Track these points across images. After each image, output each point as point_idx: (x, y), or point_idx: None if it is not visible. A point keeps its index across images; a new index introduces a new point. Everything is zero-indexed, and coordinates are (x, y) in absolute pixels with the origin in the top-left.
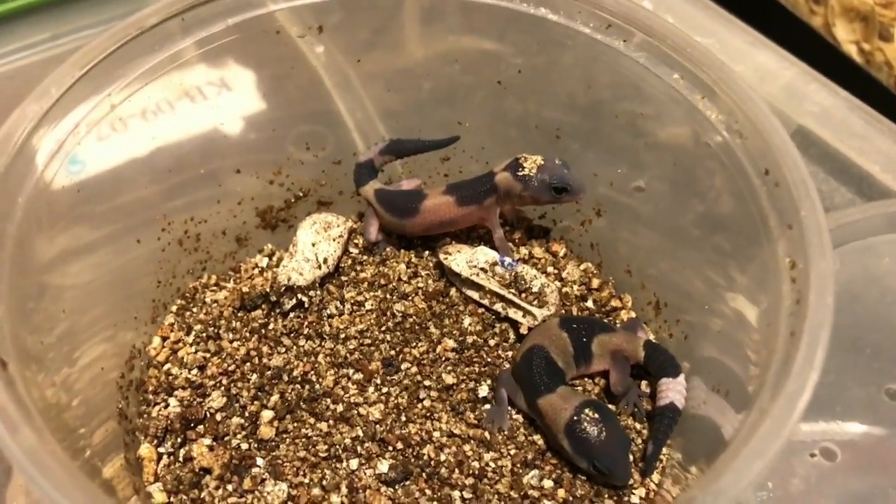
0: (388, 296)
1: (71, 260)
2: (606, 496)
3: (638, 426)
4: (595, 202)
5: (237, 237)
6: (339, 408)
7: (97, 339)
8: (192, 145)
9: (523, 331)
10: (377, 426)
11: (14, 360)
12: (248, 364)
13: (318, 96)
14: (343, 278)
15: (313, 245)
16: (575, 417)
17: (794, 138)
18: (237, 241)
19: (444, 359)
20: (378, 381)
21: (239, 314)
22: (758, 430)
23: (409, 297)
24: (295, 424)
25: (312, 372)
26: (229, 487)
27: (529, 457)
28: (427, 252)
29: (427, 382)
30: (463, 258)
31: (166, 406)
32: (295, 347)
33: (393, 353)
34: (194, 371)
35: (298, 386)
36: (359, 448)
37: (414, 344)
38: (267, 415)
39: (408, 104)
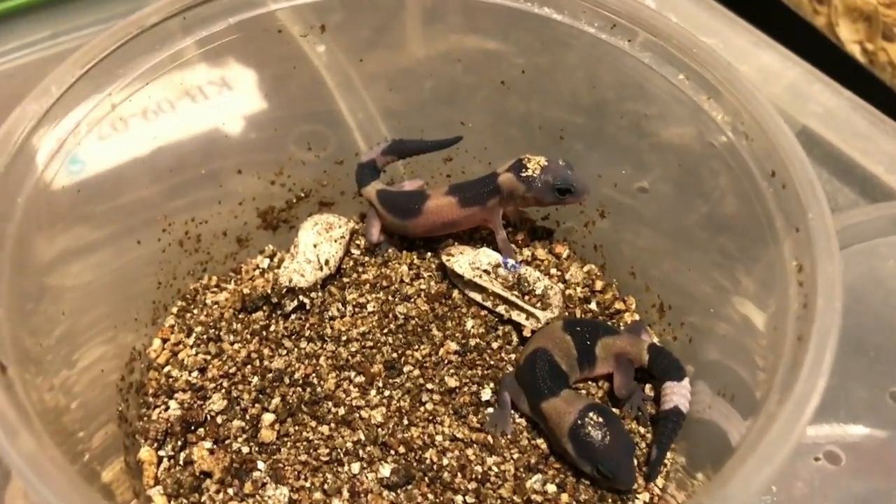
0: (390, 298)
1: (71, 260)
2: (610, 500)
3: (642, 430)
4: (599, 203)
5: (238, 238)
6: (341, 411)
7: (97, 340)
8: (193, 145)
9: (526, 333)
10: (379, 430)
11: (13, 363)
12: (248, 366)
13: (320, 96)
14: (345, 280)
15: (315, 246)
16: (579, 421)
17: (798, 139)
18: (238, 242)
19: (446, 362)
20: (380, 384)
21: (240, 316)
22: (765, 436)
23: (412, 299)
24: (296, 428)
25: (314, 374)
26: (230, 491)
27: (533, 461)
28: (429, 253)
29: (429, 385)
30: (466, 260)
31: (166, 409)
32: (296, 350)
33: (395, 355)
34: (195, 373)
35: (300, 389)
36: (360, 452)
37: (416, 346)
38: (268, 418)
39: (410, 104)
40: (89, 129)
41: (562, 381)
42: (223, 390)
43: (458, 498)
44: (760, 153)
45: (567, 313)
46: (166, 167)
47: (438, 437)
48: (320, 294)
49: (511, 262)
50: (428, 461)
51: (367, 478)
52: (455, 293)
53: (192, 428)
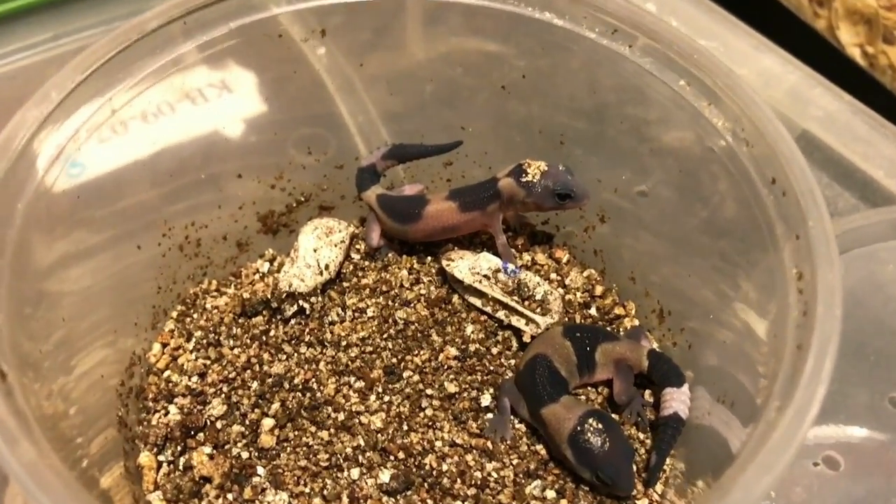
0: (389, 302)
1: (70, 265)
2: None
3: (641, 436)
4: (599, 208)
5: (238, 242)
6: (341, 416)
7: (97, 345)
8: (194, 149)
9: (526, 339)
10: (379, 435)
11: (13, 369)
12: (248, 371)
13: (320, 99)
14: (345, 284)
15: (315, 251)
16: (578, 427)
17: (798, 143)
18: (238, 247)
19: (446, 367)
20: (380, 390)
21: (240, 320)
22: (766, 444)
23: (412, 304)
24: (296, 433)
25: (314, 380)
26: (230, 497)
27: (532, 467)
28: (429, 258)
29: (429, 391)
30: (465, 265)
31: (166, 414)
32: (296, 355)
33: (395, 360)
34: (194, 378)
35: (299, 394)
36: (360, 457)
37: (416, 352)
38: (268, 423)
39: (410, 107)
40: (89, 133)
41: (561, 386)
42: (223, 395)
43: None
44: (761, 159)
45: (567, 318)
46: (166, 171)
47: (438, 443)
48: (320, 299)
49: (511, 266)
50: (427, 467)
51: (366, 483)
52: (455, 298)
53: (192, 433)
